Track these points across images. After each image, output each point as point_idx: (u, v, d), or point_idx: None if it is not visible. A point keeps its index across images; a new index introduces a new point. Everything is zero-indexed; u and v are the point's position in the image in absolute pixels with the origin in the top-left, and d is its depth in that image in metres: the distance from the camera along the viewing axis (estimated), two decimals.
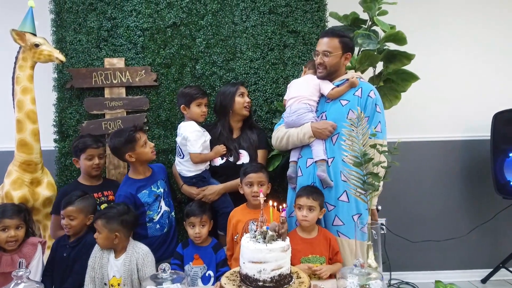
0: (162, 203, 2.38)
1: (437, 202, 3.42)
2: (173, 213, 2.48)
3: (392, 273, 3.30)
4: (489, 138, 3.19)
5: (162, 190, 2.40)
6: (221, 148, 2.48)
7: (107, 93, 2.81)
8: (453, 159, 3.43)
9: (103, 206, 2.31)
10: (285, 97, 2.45)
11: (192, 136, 2.39)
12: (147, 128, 2.79)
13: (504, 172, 3.12)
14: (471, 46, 3.43)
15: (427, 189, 3.42)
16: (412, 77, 2.65)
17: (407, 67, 2.66)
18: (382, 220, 3.27)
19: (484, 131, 3.28)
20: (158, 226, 2.35)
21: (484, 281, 3.36)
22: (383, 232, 3.25)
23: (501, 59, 3.45)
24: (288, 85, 2.44)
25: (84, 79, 2.78)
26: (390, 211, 3.31)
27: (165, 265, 1.44)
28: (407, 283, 3.33)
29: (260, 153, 2.55)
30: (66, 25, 2.82)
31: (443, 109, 3.41)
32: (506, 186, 3.11)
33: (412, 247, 3.37)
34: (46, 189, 2.53)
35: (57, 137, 2.81)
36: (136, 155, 2.30)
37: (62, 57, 2.51)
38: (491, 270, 3.33)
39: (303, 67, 2.52)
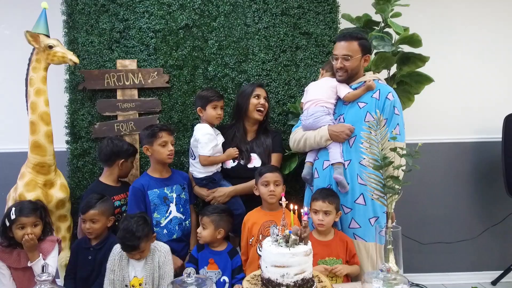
0: (173, 208, 2.37)
1: (448, 204, 3.41)
2: (187, 222, 2.45)
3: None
4: (501, 140, 3.18)
5: (175, 195, 2.39)
6: (233, 151, 2.47)
7: (119, 94, 2.80)
8: (464, 161, 3.42)
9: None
10: (302, 100, 2.45)
11: (203, 139, 2.39)
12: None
13: None
14: (483, 48, 3.41)
15: (437, 190, 3.40)
16: (426, 79, 2.63)
17: (420, 70, 2.64)
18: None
19: (495, 133, 3.27)
20: (165, 231, 2.33)
21: (494, 283, 3.34)
22: None
23: None
24: (306, 88, 2.43)
25: (96, 81, 2.77)
26: (400, 213, 3.27)
27: (190, 270, 1.42)
28: (417, 285, 3.32)
29: (274, 157, 2.53)
30: (78, 26, 2.80)
31: (454, 111, 3.39)
32: None
33: (423, 249, 3.35)
34: (59, 191, 2.51)
35: (69, 138, 2.79)
36: (152, 150, 2.36)
37: (76, 59, 2.49)
38: (501, 272, 3.31)
39: (320, 69, 2.50)
